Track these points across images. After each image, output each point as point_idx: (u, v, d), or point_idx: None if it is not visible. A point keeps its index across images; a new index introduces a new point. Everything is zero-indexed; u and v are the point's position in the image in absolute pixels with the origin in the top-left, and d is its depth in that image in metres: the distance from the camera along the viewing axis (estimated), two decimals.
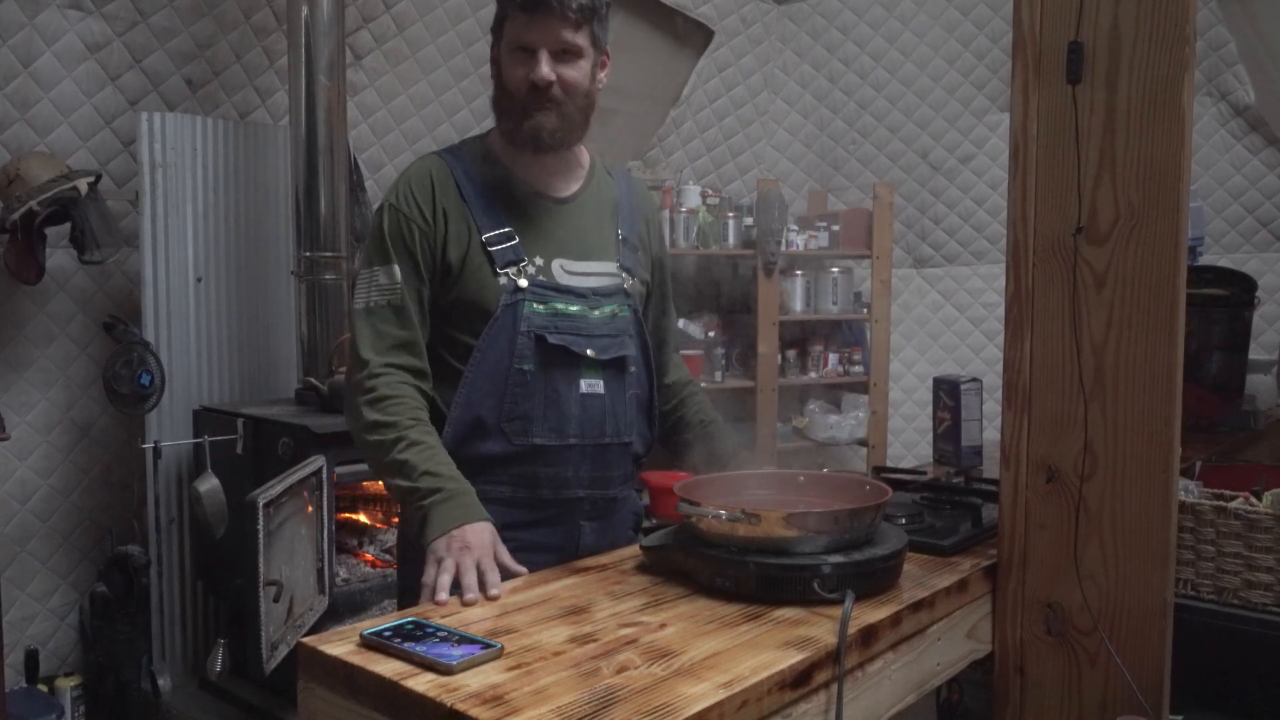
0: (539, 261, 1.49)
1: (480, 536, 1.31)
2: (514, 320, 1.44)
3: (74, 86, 2.74)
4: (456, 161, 1.52)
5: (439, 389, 1.49)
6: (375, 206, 1.54)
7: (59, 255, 2.73)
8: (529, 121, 1.46)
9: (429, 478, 1.35)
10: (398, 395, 1.42)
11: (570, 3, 1.42)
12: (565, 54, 1.45)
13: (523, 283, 1.46)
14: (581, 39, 1.46)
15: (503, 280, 1.45)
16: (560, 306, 1.48)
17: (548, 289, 1.48)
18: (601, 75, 1.53)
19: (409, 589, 1.52)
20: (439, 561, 1.27)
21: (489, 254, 1.46)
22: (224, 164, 2.88)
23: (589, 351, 1.48)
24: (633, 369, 1.55)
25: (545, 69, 1.43)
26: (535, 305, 1.46)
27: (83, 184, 2.53)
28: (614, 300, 1.54)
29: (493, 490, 1.46)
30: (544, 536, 1.49)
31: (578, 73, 1.47)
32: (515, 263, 1.47)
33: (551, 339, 1.45)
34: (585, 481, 1.50)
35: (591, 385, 1.49)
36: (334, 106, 2.75)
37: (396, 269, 1.46)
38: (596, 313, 1.50)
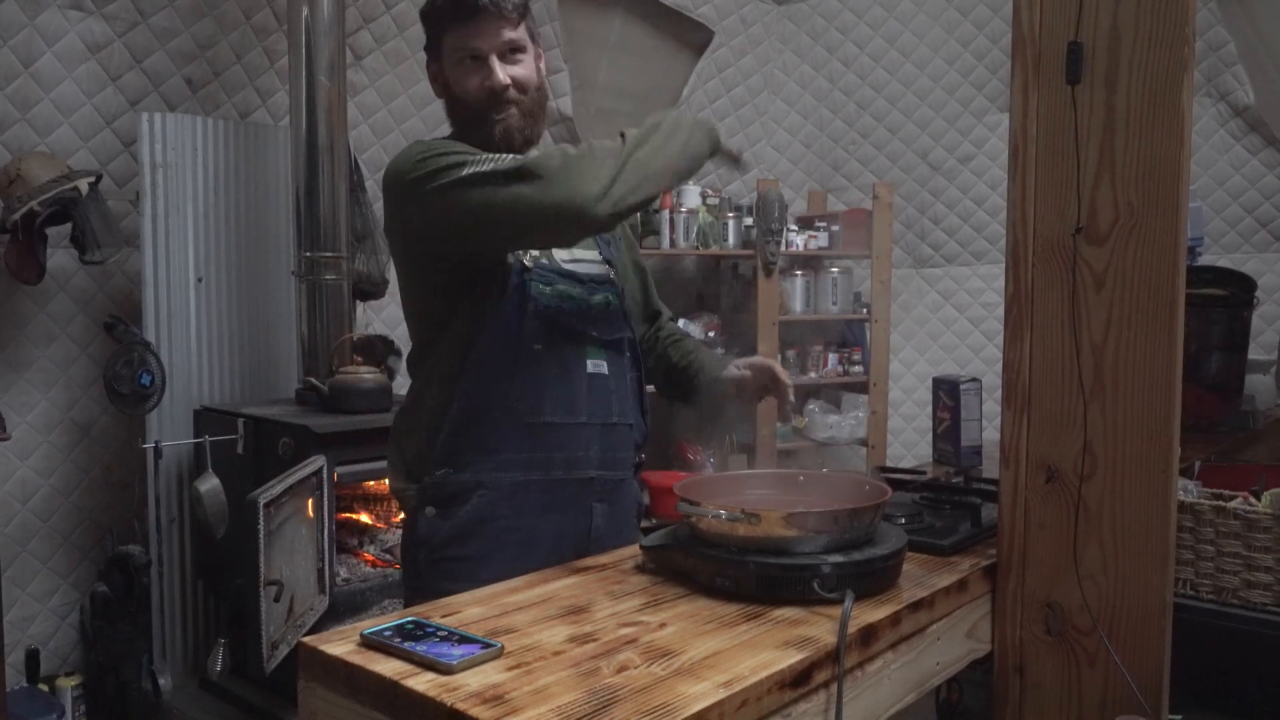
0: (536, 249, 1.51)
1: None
2: (523, 300, 1.46)
3: (74, 87, 2.74)
4: None
5: (449, 373, 1.48)
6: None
7: (60, 255, 2.73)
8: (497, 127, 1.47)
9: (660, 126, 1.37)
10: (556, 148, 1.36)
11: (505, 3, 1.44)
12: (511, 53, 1.47)
13: (528, 263, 1.47)
14: (522, 35, 1.48)
15: (510, 259, 1.46)
16: (564, 289, 1.50)
17: (551, 272, 1.50)
18: (542, 66, 1.55)
19: (415, 589, 1.52)
20: None
21: None
22: (224, 164, 2.89)
23: (594, 332, 1.51)
24: (628, 353, 1.58)
25: (500, 74, 1.45)
26: (542, 286, 1.48)
27: (83, 184, 2.53)
28: (605, 289, 1.57)
29: (505, 476, 1.46)
30: (556, 523, 1.49)
31: (526, 69, 1.49)
32: None
33: (561, 318, 1.48)
34: (595, 461, 1.51)
35: (597, 365, 1.52)
36: (334, 107, 2.75)
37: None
38: (595, 298, 1.54)
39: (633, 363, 1.60)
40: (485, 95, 1.46)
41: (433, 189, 1.34)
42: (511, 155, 1.38)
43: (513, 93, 1.46)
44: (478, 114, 1.48)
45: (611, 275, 1.60)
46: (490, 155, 1.36)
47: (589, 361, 1.51)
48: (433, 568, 1.50)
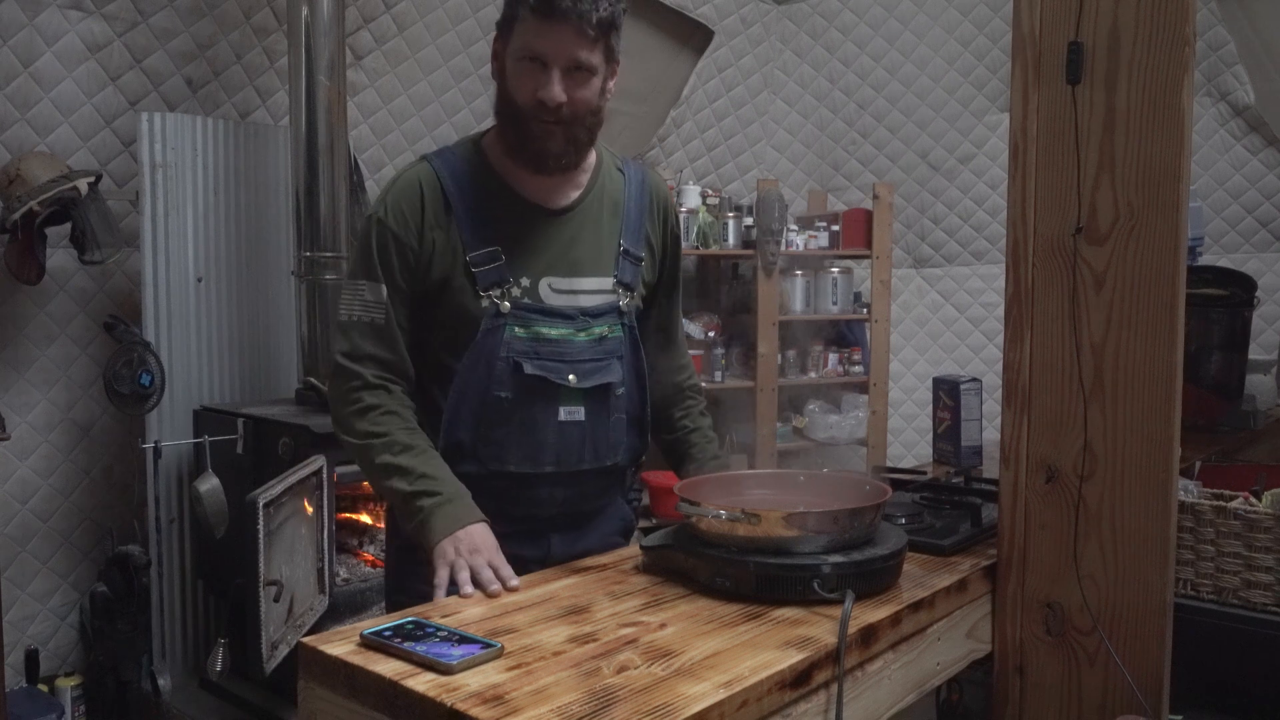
0: (525, 282, 1.41)
1: (485, 538, 1.32)
2: (494, 346, 1.39)
3: (74, 86, 2.74)
4: (446, 170, 1.43)
5: (421, 411, 1.45)
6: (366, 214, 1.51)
7: (59, 255, 2.73)
8: (533, 145, 1.38)
9: (426, 480, 1.35)
10: (385, 405, 1.40)
11: (589, 16, 1.31)
12: (578, 71, 1.35)
13: (505, 306, 1.39)
14: (596, 56, 1.36)
15: (484, 303, 1.40)
16: (543, 330, 1.41)
17: (532, 312, 1.41)
18: (610, 85, 1.43)
19: (397, 588, 1.52)
20: (450, 564, 1.28)
21: (472, 275, 1.39)
22: (224, 164, 2.88)
23: (570, 378, 1.42)
24: (619, 392, 1.48)
25: (557, 89, 1.34)
26: (517, 329, 1.40)
27: (83, 184, 2.53)
28: (605, 320, 1.46)
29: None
30: (515, 547, 1.44)
31: (589, 92, 1.37)
32: (499, 284, 1.40)
33: (529, 368, 1.39)
34: (559, 503, 1.47)
35: (571, 413, 1.43)
36: (334, 107, 2.75)
37: (383, 288, 1.41)
38: (583, 335, 1.44)
39: (625, 401, 1.50)
40: (534, 104, 1.35)
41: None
42: (342, 354, 1.43)
43: (565, 111, 1.35)
44: (520, 116, 1.37)
45: (620, 304, 1.48)
46: (361, 314, 1.43)
47: (562, 410, 1.42)
48: (401, 566, 1.51)
